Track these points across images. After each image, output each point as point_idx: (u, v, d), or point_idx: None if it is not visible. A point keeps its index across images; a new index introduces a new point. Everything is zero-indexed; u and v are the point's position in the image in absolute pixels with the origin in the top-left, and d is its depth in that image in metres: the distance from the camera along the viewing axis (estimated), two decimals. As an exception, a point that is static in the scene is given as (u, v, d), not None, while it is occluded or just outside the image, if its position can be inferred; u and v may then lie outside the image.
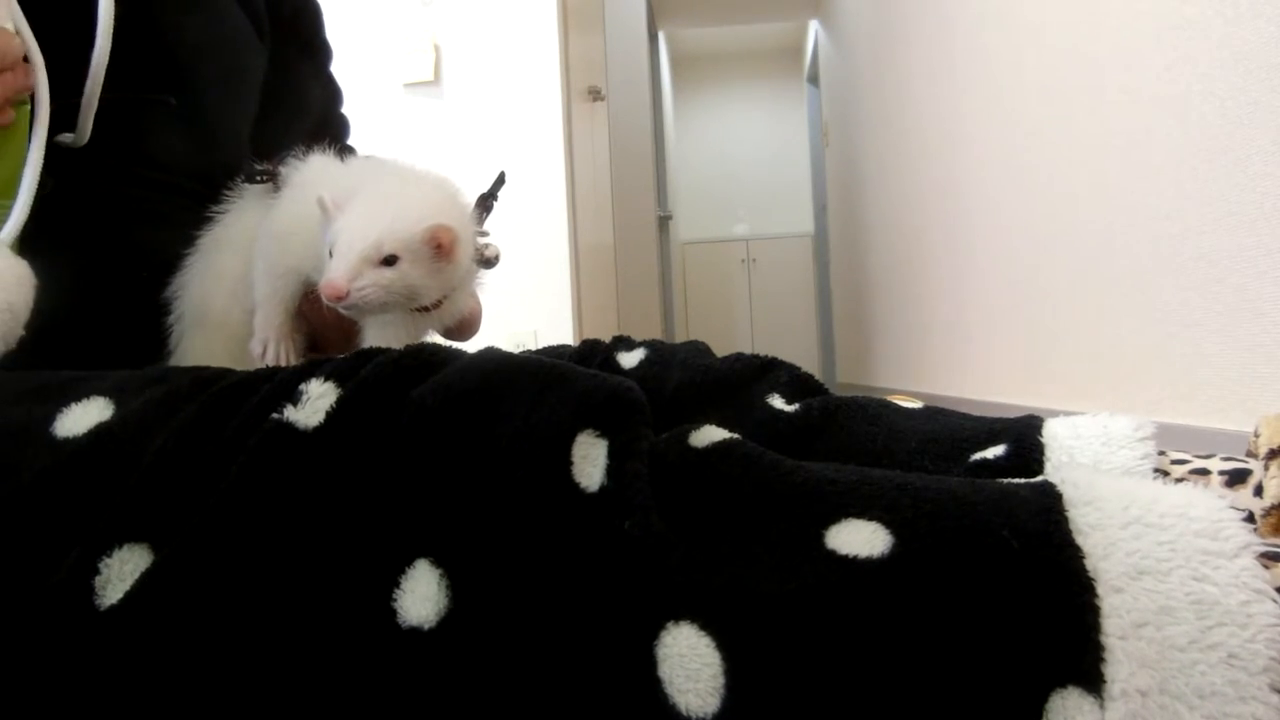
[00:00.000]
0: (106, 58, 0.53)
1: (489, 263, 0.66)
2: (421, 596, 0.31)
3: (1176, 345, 1.12)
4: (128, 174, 0.60)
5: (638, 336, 0.63)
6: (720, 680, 0.29)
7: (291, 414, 0.35)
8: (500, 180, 0.68)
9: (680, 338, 0.61)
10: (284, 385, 0.36)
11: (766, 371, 0.57)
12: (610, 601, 0.31)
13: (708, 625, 0.30)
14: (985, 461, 0.46)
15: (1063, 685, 0.28)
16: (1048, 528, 0.31)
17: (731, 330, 6.10)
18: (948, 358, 2.26)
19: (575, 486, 0.33)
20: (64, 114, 0.52)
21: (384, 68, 2.40)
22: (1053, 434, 0.46)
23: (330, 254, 0.55)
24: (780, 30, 5.93)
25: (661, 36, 5.36)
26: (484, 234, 0.65)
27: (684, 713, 0.29)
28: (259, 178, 0.63)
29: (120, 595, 0.31)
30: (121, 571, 0.32)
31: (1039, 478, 0.36)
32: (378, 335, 0.60)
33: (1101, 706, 0.28)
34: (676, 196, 5.75)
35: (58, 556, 0.32)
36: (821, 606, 0.30)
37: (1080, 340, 1.42)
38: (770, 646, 0.30)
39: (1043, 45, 1.52)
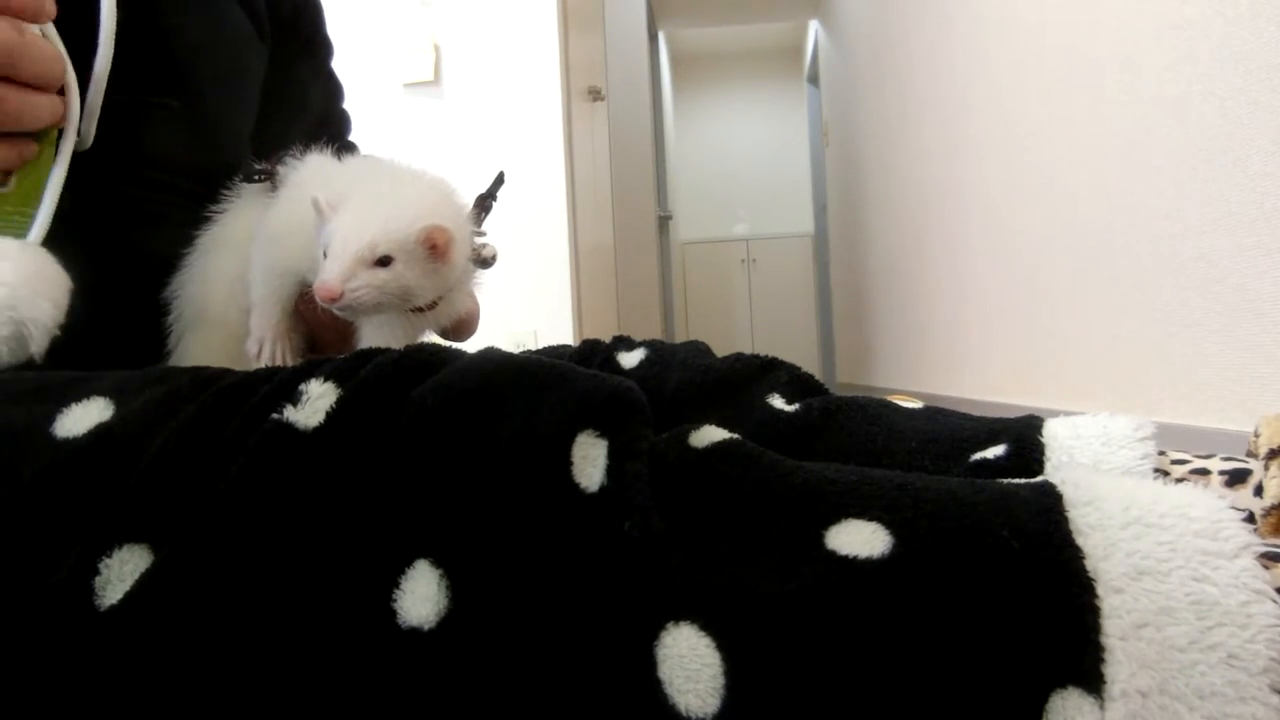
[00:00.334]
0: (109, 65, 0.53)
1: (486, 263, 0.66)
2: (421, 597, 0.31)
3: (1176, 345, 1.12)
4: (128, 174, 0.60)
5: (638, 336, 0.63)
6: (720, 681, 0.29)
7: (291, 414, 0.35)
8: (499, 180, 0.68)
9: (680, 338, 0.62)
10: (284, 385, 0.36)
11: (767, 371, 0.57)
12: (610, 602, 0.31)
13: (708, 626, 0.30)
14: (985, 461, 0.46)
15: (1063, 686, 0.28)
16: (1048, 528, 0.31)
17: (731, 330, 6.10)
18: (948, 358, 2.26)
19: (575, 487, 0.33)
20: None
21: (384, 68, 2.40)
22: (1053, 434, 0.46)
23: (324, 255, 0.55)
24: (780, 30, 5.93)
25: (661, 36, 5.36)
26: (481, 234, 0.65)
27: (684, 713, 0.29)
28: (256, 177, 0.63)
29: (120, 596, 0.31)
30: (121, 572, 0.32)
31: (1039, 478, 0.36)
32: (374, 335, 0.60)
33: (1101, 707, 0.28)
34: (676, 196, 5.75)
35: (57, 557, 0.32)
36: (821, 607, 0.30)
37: (1080, 340, 1.42)
38: (770, 647, 0.30)
39: (1043, 45, 1.52)
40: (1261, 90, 0.92)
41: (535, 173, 2.38)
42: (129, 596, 0.31)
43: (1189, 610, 0.28)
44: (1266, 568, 0.29)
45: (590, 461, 0.34)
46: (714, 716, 0.29)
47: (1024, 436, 0.47)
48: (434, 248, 0.56)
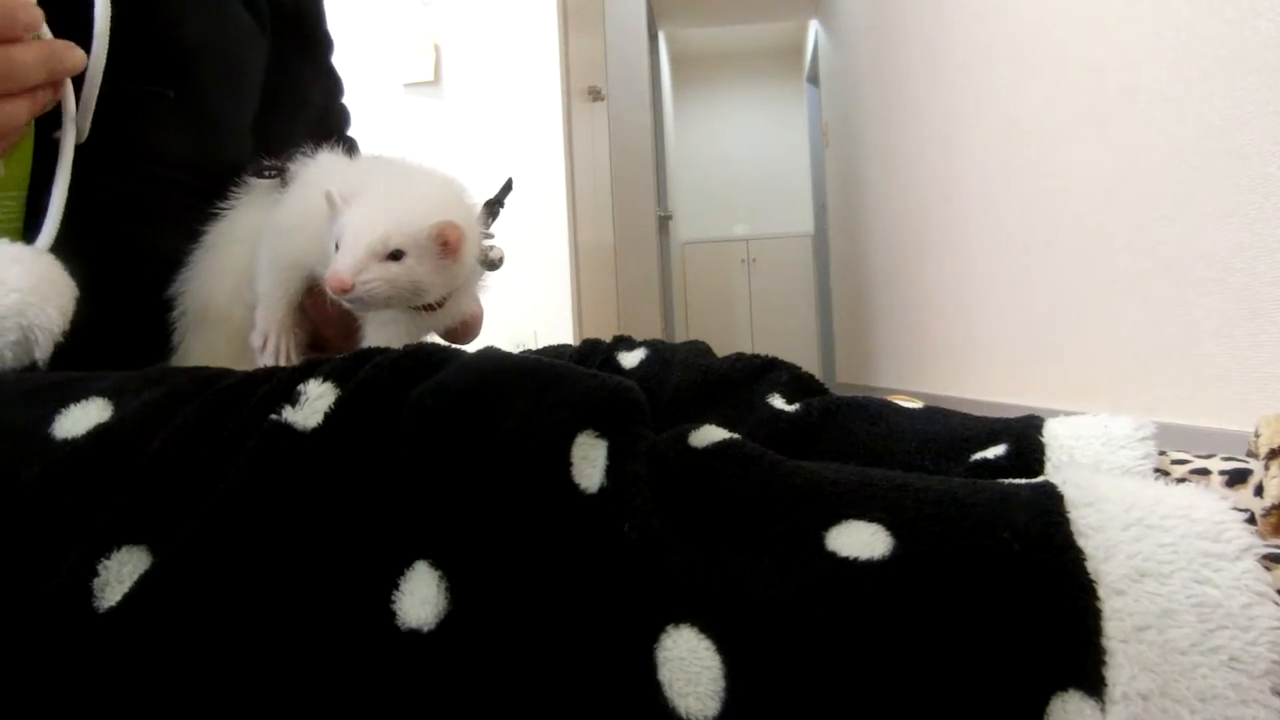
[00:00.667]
0: (104, 58, 0.53)
1: (493, 265, 0.66)
2: (421, 599, 0.31)
3: (1176, 345, 1.12)
4: (129, 171, 0.60)
5: (638, 336, 0.63)
6: (720, 684, 0.29)
7: (290, 415, 0.35)
8: (508, 187, 0.68)
9: (680, 338, 0.61)
10: (282, 386, 0.36)
11: (767, 371, 0.57)
12: (610, 604, 0.31)
13: (708, 628, 0.30)
14: (985, 461, 0.46)
15: (1064, 689, 0.28)
16: (1048, 530, 0.31)
17: (731, 330, 6.10)
18: (948, 358, 2.26)
19: (575, 488, 0.33)
20: (59, 111, 0.52)
21: (384, 68, 2.40)
22: (1053, 434, 0.46)
23: (336, 247, 0.54)
24: (780, 30, 5.93)
25: (661, 36, 5.36)
26: (489, 235, 0.65)
27: (684, 716, 0.29)
28: (266, 173, 0.63)
29: (119, 597, 0.31)
30: (120, 574, 0.32)
31: (1039, 478, 0.36)
32: (378, 333, 0.60)
33: (1103, 710, 0.27)
34: (676, 196, 5.75)
35: (57, 558, 0.32)
36: (822, 609, 0.30)
37: (1080, 340, 1.42)
38: (770, 650, 0.30)
39: (1043, 45, 1.52)
40: (1261, 90, 0.92)
41: (535, 173, 2.38)
42: (128, 598, 0.31)
43: (1191, 613, 0.28)
44: (1268, 569, 0.29)
45: (590, 462, 0.34)
46: (714, 719, 0.29)
47: (1024, 436, 0.47)
48: (445, 244, 0.56)
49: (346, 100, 0.91)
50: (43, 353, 0.46)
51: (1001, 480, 0.35)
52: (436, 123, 2.42)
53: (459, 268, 0.58)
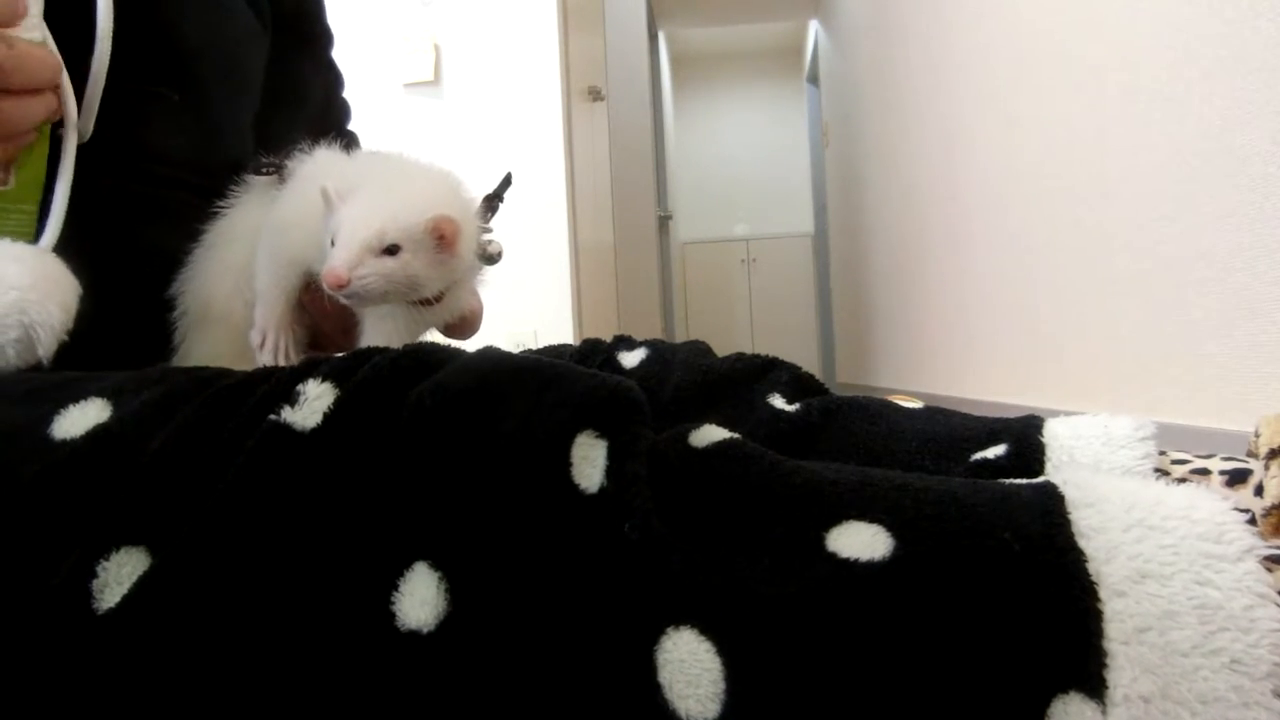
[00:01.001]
0: (107, 61, 0.53)
1: (491, 259, 0.65)
2: (420, 600, 0.31)
3: (1176, 345, 1.12)
4: (131, 169, 0.60)
5: (638, 336, 0.63)
6: (720, 686, 0.29)
7: (289, 415, 0.34)
8: (507, 181, 0.68)
9: (680, 338, 0.61)
10: (281, 386, 0.36)
11: (767, 371, 0.57)
12: (610, 605, 0.31)
13: (708, 630, 0.30)
14: (985, 461, 0.46)
15: (1064, 690, 0.28)
16: (1049, 530, 0.31)
17: (731, 330, 6.09)
18: (948, 358, 2.26)
19: (575, 488, 0.33)
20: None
21: (384, 68, 2.40)
22: (1053, 434, 0.46)
23: (332, 243, 0.54)
24: (780, 30, 5.93)
25: (661, 36, 5.36)
26: (488, 230, 0.64)
27: (684, 718, 0.29)
28: (265, 170, 0.63)
29: (118, 599, 0.31)
30: (119, 575, 0.32)
31: (1040, 478, 0.36)
32: (376, 329, 0.60)
33: (1104, 712, 0.27)
34: (676, 196, 5.75)
35: (56, 559, 0.32)
36: (822, 611, 0.30)
37: (1080, 340, 1.42)
38: (770, 652, 0.29)
39: (1043, 45, 1.52)
40: (1261, 90, 0.92)
41: (535, 173, 2.38)
42: (127, 599, 0.31)
43: (1192, 614, 0.28)
44: (1269, 570, 0.29)
45: (590, 462, 0.34)
46: None
47: (1024, 436, 0.47)
48: (441, 238, 0.55)
49: (347, 98, 0.91)
50: (45, 350, 0.46)
51: (1002, 480, 0.35)
52: (436, 123, 2.42)
53: (456, 262, 0.58)
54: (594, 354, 0.61)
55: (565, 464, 0.33)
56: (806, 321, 6.00)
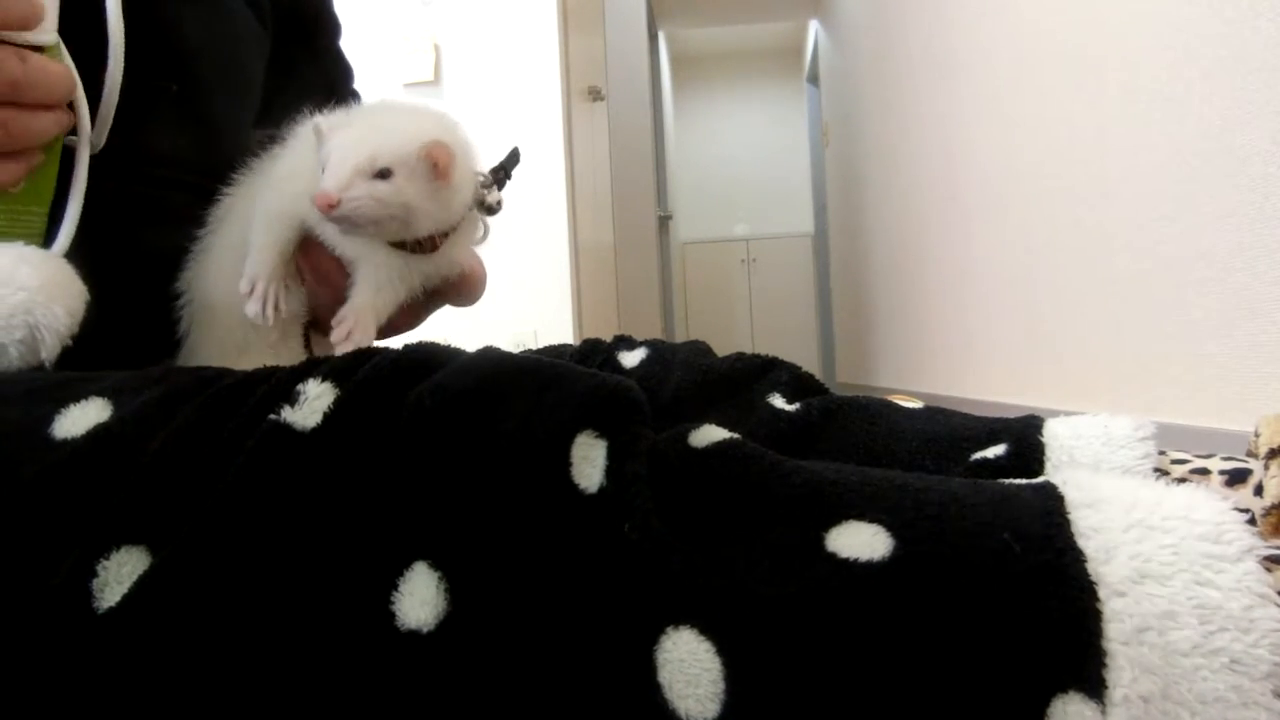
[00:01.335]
0: (120, 76, 0.53)
1: (490, 209, 0.63)
2: (420, 600, 0.31)
3: (1176, 345, 1.12)
4: (134, 171, 0.60)
5: (638, 336, 0.63)
6: (720, 685, 0.29)
7: (289, 415, 0.34)
8: (514, 156, 0.65)
9: (680, 338, 0.61)
10: (281, 386, 0.36)
11: (767, 371, 0.57)
12: (610, 605, 0.31)
13: (707, 630, 0.30)
14: (985, 461, 0.46)
15: (1064, 691, 0.28)
16: (1049, 531, 0.31)
17: (731, 330, 6.10)
18: (948, 358, 2.26)
19: (574, 488, 0.33)
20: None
21: (384, 68, 2.40)
22: (1053, 434, 0.46)
23: (323, 170, 0.53)
24: (780, 30, 5.93)
25: (661, 36, 5.36)
26: (485, 178, 0.62)
27: (684, 718, 0.29)
28: (267, 145, 0.62)
29: (118, 598, 0.31)
30: (119, 574, 0.32)
31: (1040, 478, 0.36)
32: (369, 281, 0.58)
33: (1103, 712, 0.27)
34: (676, 196, 5.75)
35: (56, 559, 0.32)
36: (822, 611, 0.30)
37: (1080, 340, 1.42)
38: (770, 652, 0.30)
39: (1043, 44, 1.52)
40: (1261, 90, 0.92)
41: (535, 173, 2.38)
42: (127, 599, 0.31)
43: (1192, 614, 0.28)
44: (1269, 570, 0.29)
45: (589, 462, 0.34)
46: None
47: (1024, 436, 0.47)
48: (435, 166, 0.54)
49: (358, 90, 0.89)
50: (49, 352, 0.46)
51: (1002, 481, 0.35)
52: (436, 123, 2.41)
53: (451, 195, 0.56)
54: (594, 354, 0.61)
55: (565, 464, 0.33)
56: (806, 321, 6.00)
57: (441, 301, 0.66)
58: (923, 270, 2.49)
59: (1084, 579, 0.29)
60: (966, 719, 0.28)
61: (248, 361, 0.60)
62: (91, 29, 0.53)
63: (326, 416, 0.34)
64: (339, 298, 0.60)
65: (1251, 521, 0.34)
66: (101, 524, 0.32)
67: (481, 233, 0.64)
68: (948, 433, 0.49)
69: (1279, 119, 0.90)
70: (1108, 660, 0.28)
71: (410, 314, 0.65)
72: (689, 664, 0.30)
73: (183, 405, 0.36)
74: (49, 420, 0.35)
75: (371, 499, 0.33)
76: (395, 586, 0.31)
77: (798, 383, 0.56)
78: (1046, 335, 1.57)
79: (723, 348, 0.60)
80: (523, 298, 2.35)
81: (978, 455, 0.46)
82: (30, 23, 0.47)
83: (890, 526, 0.31)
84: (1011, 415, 0.50)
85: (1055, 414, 0.49)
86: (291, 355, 0.62)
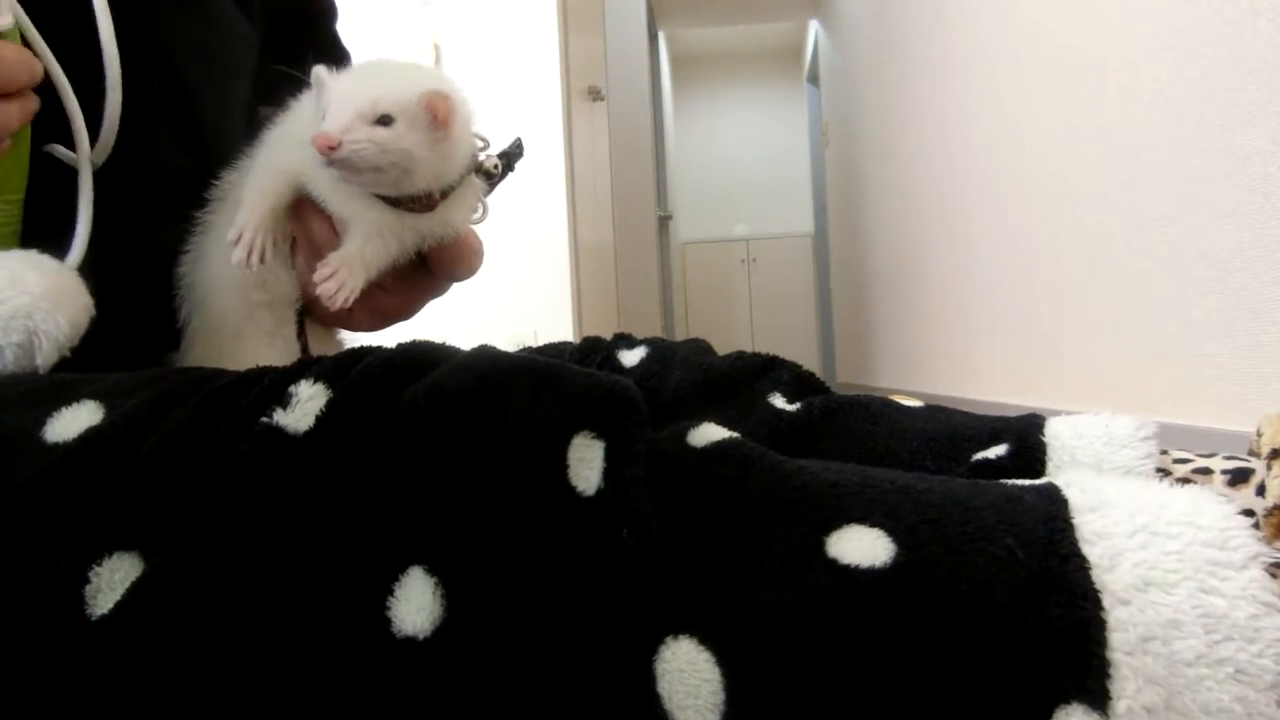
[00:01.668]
0: (119, 105, 0.53)
1: (489, 174, 0.62)
2: (416, 605, 0.31)
3: (1176, 345, 1.12)
4: (128, 175, 0.60)
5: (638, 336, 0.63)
6: (720, 696, 0.29)
7: (281, 418, 0.34)
8: (518, 145, 0.64)
9: (680, 338, 0.60)
10: (274, 387, 0.36)
11: (768, 370, 0.57)
12: (608, 613, 0.30)
13: (707, 640, 0.29)
14: (987, 461, 0.46)
15: (1067, 702, 0.27)
16: (1053, 536, 0.30)
17: (731, 330, 6.09)
18: (948, 358, 2.26)
19: (572, 490, 0.32)
20: (52, 120, 0.52)
21: (383, 67, 2.39)
22: (1054, 433, 0.46)
23: (324, 117, 0.53)
24: (780, 30, 5.93)
25: (661, 36, 5.36)
26: (483, 139, 0.61)
27: None
28: (265, 121, 0.62)
29: (111, 605, 0.31)
30: (112, 580, 0.31)
31: (1043, 479, 0.35)
32: (360, 232, 0.57)
33: None
34: (676, 196, 5.75)
35: (49, 565, 0.31)
36: (822, 620, 0.29)
37: (1080, 340, 1.42)
38: (769, 662, 0.29)
39: (1043, 45, 1.52)
40: (1261, 90, 0.92)
41: (535, 172, 2.38)
42: (120, 606, 0.31)
43: (1196, 624, 0.28)
44: (1274, 576, 0.28)
45: (587, 464, 0.33)
46: None
47: (1026, 436, 0.46)
48: (435, 116, 0.54)
49: None
50: (44, 359, 0.46)
51: (1005, 482, 0.35)
52: (436, 122, 2.41)
53: (451, 148, 0.56)
54: (594, 352, 0.61)
55: (562, 466, 0.33)
56: (806, 321, 6.00)
57: (441, 283, 0.65)
58: (923, 270, 2.48)
59: (1088, 587, 0.29)
60: None
61: (243, 348, 0.60)
62: (76, 26, 0.52)
63: (319, 419, 0.34)
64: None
65: (1255, 524, 0.33)
66: (94, 530, 0.32)
67: (480, 210, 0.63)
68: (949, 432, 0.48)
69: (1279, 119, 0.90)
70: (1111, 671, 0.27)
71: (408, 296, 0.64)
72: (688, 674, 0.29)
73: (175, 407, 0.35)
74: (41, 423, 0.35)
75: (366, 502, 0.32)
76: (391, 592, 0.31)
77: (798, 382, 0.56)
78: (1047, 335, 1.57)
79: (723, 348, 0.59)
80: (522, 297, 2.35)
81: (979, 455, 0.46)
82: None
83: (892, 531, 0.31)
84: (1012, 415, 0.50)
85: (1056, 414, 0.49)
86: (287, 342, 0.62)
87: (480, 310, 2.19)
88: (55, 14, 0.51)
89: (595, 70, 3.05)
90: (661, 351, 0.59)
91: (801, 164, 5.98)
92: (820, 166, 5.19)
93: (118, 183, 0.58)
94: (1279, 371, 0.93)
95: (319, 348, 0.65)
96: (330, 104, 0.53)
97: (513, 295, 2.32)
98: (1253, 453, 0.40)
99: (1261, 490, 0.37)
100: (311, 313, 0.64)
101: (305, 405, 0.34)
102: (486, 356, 0.38)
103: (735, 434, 0.37)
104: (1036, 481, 0.35)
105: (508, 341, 0.58)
